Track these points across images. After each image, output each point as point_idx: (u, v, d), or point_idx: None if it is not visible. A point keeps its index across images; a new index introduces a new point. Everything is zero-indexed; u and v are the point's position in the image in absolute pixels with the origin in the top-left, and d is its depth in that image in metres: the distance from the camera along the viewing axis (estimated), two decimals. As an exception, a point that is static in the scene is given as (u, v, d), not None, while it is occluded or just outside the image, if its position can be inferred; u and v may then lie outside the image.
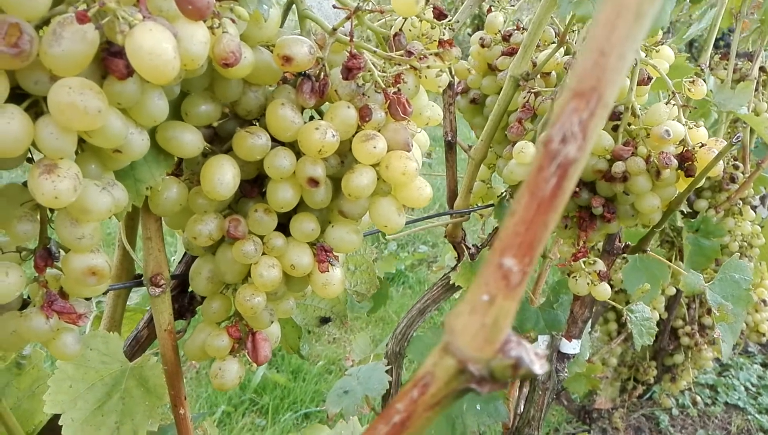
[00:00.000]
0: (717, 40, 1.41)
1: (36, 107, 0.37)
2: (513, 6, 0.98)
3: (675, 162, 0.76)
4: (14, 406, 0.61)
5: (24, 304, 0.45)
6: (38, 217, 0.42)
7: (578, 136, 0.21)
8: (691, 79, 0.83)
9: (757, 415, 2.28)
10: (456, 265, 1.02)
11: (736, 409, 2.33)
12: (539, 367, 0.24)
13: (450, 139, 0.94)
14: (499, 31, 0.95)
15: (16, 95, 0.36)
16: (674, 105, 0.80)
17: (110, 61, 0.36)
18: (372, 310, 1.09)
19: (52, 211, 0.42)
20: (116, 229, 0.63)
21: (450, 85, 0.92)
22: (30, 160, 0.40)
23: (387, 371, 1.01)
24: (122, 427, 0.52)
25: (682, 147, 0.79)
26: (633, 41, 0.20)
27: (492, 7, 0.97)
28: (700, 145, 0.79)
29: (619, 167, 0.76)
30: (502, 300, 0.23)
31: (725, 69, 1.46)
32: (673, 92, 0.80)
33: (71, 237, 0.41)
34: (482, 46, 0.95)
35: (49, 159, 0.37)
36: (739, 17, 1.44)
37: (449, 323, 0.24)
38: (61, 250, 0.43)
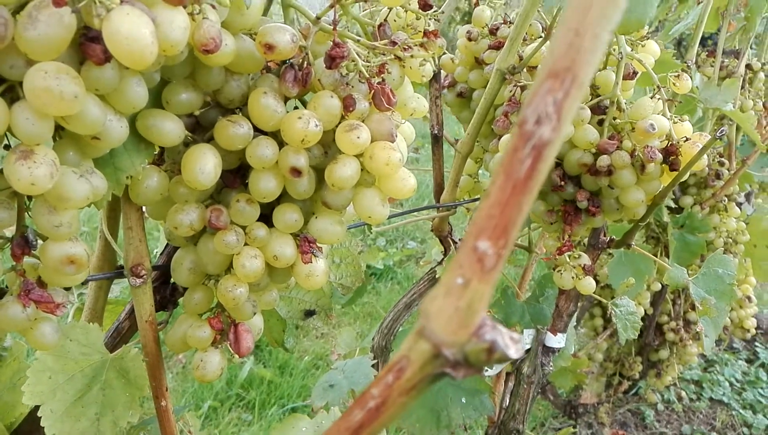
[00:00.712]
0: (705, 38, 1.43)
1: (12, 92, 0.36)
2: (501, 0, 0.98)
3: (660, 156, 0.76)
4: (-6, 399, 0.61)
5: (1, 293, 0.44)
6: (15, 204, 0.42)
7: (553, 117, 0.21)
8: (677, 74, 0.84)
9: (741, 411, 2.30)
10: (442, 259, 1.02)
11: (720, 404, 2.35)
12: (515, 352, 0.24)
13: (437, 132, 0.94)
14: (486, 24, 0.95)
15: (-9, 80, 0.35)
16: (659, 99, 0.80)
17: (87, 46, 0.35)
18: (349, 301, 1.09)
19: (29, 198, 0.42)
20: (99, 223, 0.62)
21: (436, 78, 0.92)
22: (7, 148, 0.39)
23: (373, 365, 1.01)
24: (102, 419, 0.51)
25: (667, 141, 0.79)
26: (608, 21, 0.20)
27: (479, 1, 0.97)
28: (685, 139, 0.79)
29: (604, 161, 0.77)
30: (477, 283, 0.23)
31: (712, 66, 1.47)
32: (658, 86, 0.80)
33: (49, 225, 0.40)
34: (469, 39, 0.95)
35: (25, 145, 0.36)
36: (725, 15, 1.45)
37: (425, 307, 0.24)
38: (38, 239, 0.43)
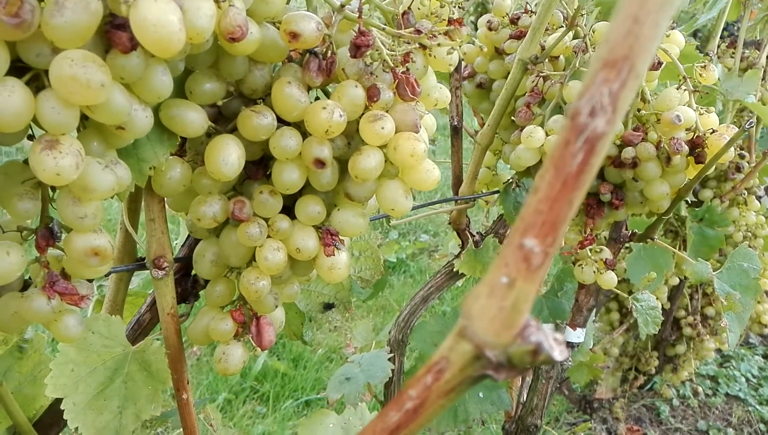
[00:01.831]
0: (722, 29, 1.40)
1: (37, 81, 0.36)
2: (521, -11, 0.97)
3: (686, 148, 0.75)
4: (16, 391, 0.60)
5: (25, 284, 0.44)
6: (39, 195, 0.41)
7: (608, 109, 0.20)
8: (703, 64, 0.82)
9: (757, 407, 2.28)
10: (460, 252, 1.01)
11: (736, 400, 2.33)
12: (559, 353, 0.23)
13: (456, 123, 0.92)
14: (507, 14, 0.93)
15: (17, 68, 0.35)
16: (685, 90, 0.78)
17: (114, 34, 0.34)
18: (370, 296, 1.08)
19: (53, 189, 0.41)
20: (119, 216, 0.62)
21: (457, 69, 0.91)
22: (31, 138, 0.39)
23: (390, 359, 1.00)
24: (125, 412, 0.51)
25: (693, 133, 0.78)
26: (669, 8, 0.19)
27: (500, -10, 0.95)
28: (711, 131, 0.77)
29: (629, 153, 0.75)
30: (522, 282, 0.22)
31: (732, 57, 1.44)
32: (684, 77, 0.79)
33: (73, 216, 0.40)
34: (489, 29, 0.93)
35: (50, 135, 0.36)
36: (747, 5, 1.42)
37: (466, 306, 0.23)
38: (62, 230, 0.42)
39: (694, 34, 3.60)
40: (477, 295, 0.23)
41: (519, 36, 0.91)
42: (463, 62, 0.99)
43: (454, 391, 0.24)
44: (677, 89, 0.79)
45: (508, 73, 0.87)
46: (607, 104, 0.20)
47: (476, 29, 1.01)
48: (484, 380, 0.24)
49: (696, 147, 0.77)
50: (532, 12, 0.93)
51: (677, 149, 0.74)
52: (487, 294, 0.22)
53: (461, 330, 0.23)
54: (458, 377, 0.24)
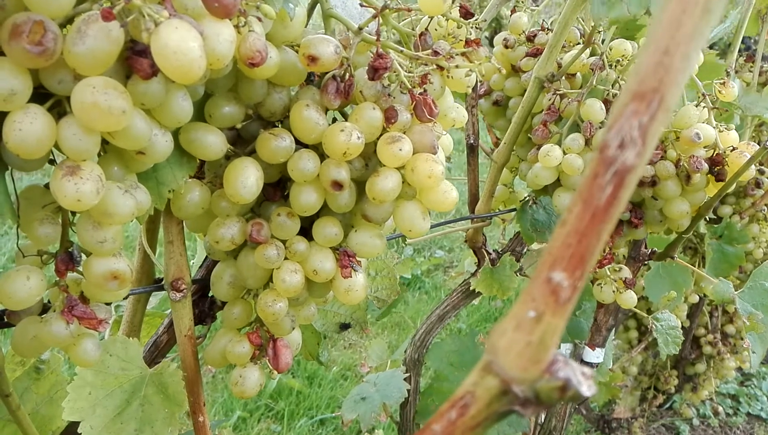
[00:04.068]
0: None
1: (59, 107, 0.36)
2: (537, 6, 0.97)
3: (705, 166, 0.74)
4: (33, 412, 0.61)
5: (44, 308, 0.44)
6: (60, 220, 0.41)
7: (637, 142, 0.19)
8: (722, 81, 0.81)
9: (780, 426, 2.23)
10: (476, 270, 1.00)
11: (758, 419, 2.28)
12: (587, 389, 0.22)
13: (472, 141, 0.92)
14: (524, 31, 0.93)
15: (40, 95, 0.35)
16: (704, 107, 0.78)
17: (135, 60, 0.35)
18: (382, 315, 1.07)
19: (74, 213, 0.42)
20: (136, 233, 0.62)
21: (473, 87, 0.91)
22: (52, 162, 0.39)
23: (405, 378, 0.99)
24: (141, 435, 0.51)
25: (713, 150, 0.77)
26: (699, 39, 0.19)
27: (516, 8, 0.95)
28: (731, 148, 0.77)
29: (648, 171, 0.74)
30: (550, 317, 0.21)
31: (750, 72, 1.43)
32: (703, 94, 0.78)
33: (93, 241, 0.40)
34: (506, 47, 0.93)
35: (71, 160, 0.36)
36: (766, 19, 1.41)
37: (492, 341, 0.23)
38: (82, 254, 0.42)
39: (711, 48, 3.58)
40: (503, 330, 0.22)
41: (535, 53, 0.91)
42: (479, 80, 0.99)
43: (480, 426, 0.24)
44: (696, 106, 0.78)
45: (525, 91, 0.86)
46: (636, 137, 0.19)
47: (491, 45, 1.01)
48: (510, 416, 0.23)
49: (716, 165, 0.76)
50: (548, 29, 0.93)
51: (697, 167, 0.73)
52: (514, 328, 0.22)
53: (487, 365, 0.23)
54: (484, 413, 0.23)
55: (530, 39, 0.93)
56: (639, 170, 0.20)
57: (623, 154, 0.19)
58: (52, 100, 0.36)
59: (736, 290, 0.89)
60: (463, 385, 0.23)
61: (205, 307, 0.59)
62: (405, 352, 1.03)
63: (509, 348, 0.22)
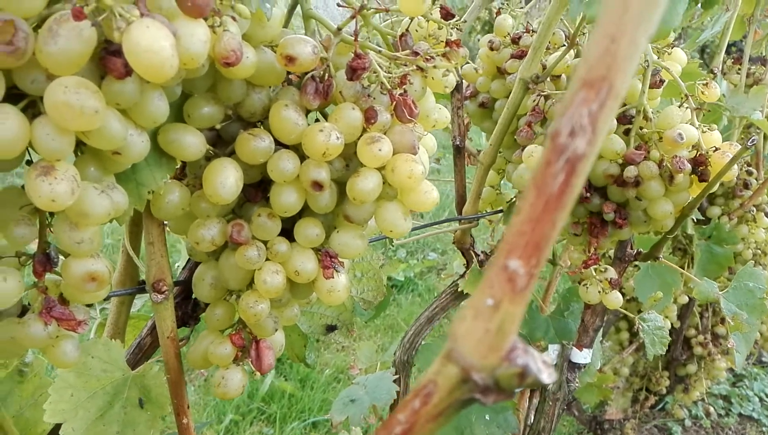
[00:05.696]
0: (729, 45, 1.40)
1: (33, 108, 0.36)
2: (522, 9, 0.97)
3: (689, 166, 0.74)
4: (16, 415, 0.60)
5: (23, 310, 0.44)
6: (37, 221, 0.41)
7: (587, 129, 0.20)
8: (705, 82, 0.82)
9: (772, 426, 2.24)
10: (465, 272, 1.00)
11: (750, 420, 2.28)
12: (547, 376, 0.23)
13: (459, 143, 0.93)
14: (508, 33, 0.94)
15: (13, 95, 0.35)
16: (687, 108, 0.78)
17: (108, 60, 0.35)
18: (372, 317, 1.07)
19: (51, 214, 0.42)
20: (122, 235, 0.62)
21: (458, 89, 0.91)
22: (29, 163, 0.39)
23: (395, 380, 0.99)
24: (123, 436, 0.51)
25: (696, 151, 0.77)
26: (646, 25, 0.19)
27: (501, 10, 0.96)
28: (714, 149, 0.77)
29: (631, 172, 0.75)
30: (508, 304, 0.22)
31: (738, 73, 1.44)
32: (686, 95, 0.79)
33: (70, 241, 0.40)
34: (491, 49, 0.94)
35: (45, 161, 0.36)
36: (751, 21, 1.42)
37: (453, 329, 0.23)
38: (60, 255, 0.42)
39: (702, 51, 3.60)
40: (463, 318, 0.22)
41: (520, 55, 0.91)
42: (465, 82, 0.99)
43: (443, 415, 0.24)
44: (679, 107, 0.79)
45: (510, 93, 0.87)
46: (586, 124, 0.20)
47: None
48: (472, 404, 0.24)
49: (699, 165, 0.77)
50: (533, 31, 0.93)
51: (680, 167, 0.74)
52: (473, 316, 0.22)
53: (448, 353, 0.23)
54: (446, 401, 0.23)
55: (515, 41, 0.94)
56: (590, 158, 0.20)
57: (574, 141, 0.20)
58: (26, 101, 0.36)
59: (722, 291, 0.90)
60: (427, 374, 0.24)
61: (189, 309, 0.59)
62: (394, 354, 1.03)
63: (469, 335, 0.22)
